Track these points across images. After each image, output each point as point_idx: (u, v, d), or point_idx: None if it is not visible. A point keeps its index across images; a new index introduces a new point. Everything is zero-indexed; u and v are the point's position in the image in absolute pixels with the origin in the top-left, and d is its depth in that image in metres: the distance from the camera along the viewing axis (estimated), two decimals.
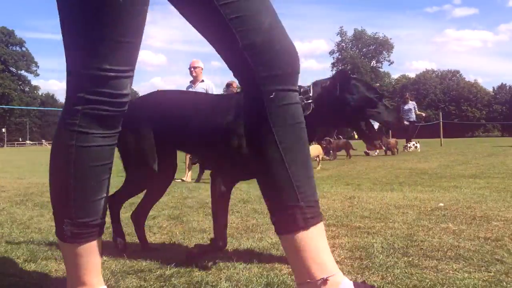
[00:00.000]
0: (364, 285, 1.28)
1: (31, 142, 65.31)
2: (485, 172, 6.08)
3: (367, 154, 12.24)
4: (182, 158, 5.97)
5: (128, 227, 2.68)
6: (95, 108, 1.17)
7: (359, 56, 73.06)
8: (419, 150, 12.94)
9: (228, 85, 10.55)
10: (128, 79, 1.20)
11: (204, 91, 6.62)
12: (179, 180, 6.16)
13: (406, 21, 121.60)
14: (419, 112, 13.98)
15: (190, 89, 6.87)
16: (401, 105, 14.36)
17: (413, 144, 13.26)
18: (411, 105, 13.80)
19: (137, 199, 3.75)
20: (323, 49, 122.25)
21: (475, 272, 1.73)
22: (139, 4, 1.16)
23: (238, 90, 8.99)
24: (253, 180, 5.37)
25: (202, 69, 7.07)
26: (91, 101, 1.17)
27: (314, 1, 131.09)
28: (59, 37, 1.20)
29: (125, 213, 3.17)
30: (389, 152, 12.11)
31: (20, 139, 68.22)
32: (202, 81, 7.01)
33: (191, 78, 7.21)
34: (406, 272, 1.74)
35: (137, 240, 2.35)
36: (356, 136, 15.99)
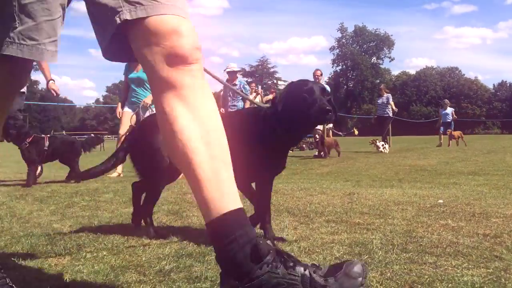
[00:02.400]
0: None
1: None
2: (484, 169, 6.09)
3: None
4: None
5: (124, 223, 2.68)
6: None
7: (360, 52, 72.90)
8: (387, 152, 11.09)
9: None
10: None
11: None
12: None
13: (405, 18, 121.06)
14: (392, 105, 12.13)
15: None
16: (377, 98, 13.01)
17: (382, 144, 11.33)
18: (385, 98, 12.12)
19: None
20: (323, 45, 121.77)
21: (474, 268, 1.74)
22: None
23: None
24: None
25: None
26: None
27: None
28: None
29: (125, 208, 3.17)
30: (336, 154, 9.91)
31: None
32: None
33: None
34: (405, 268, 1.74)
35: (136, 236, 2.36)
36: (356, 133, 15.71)
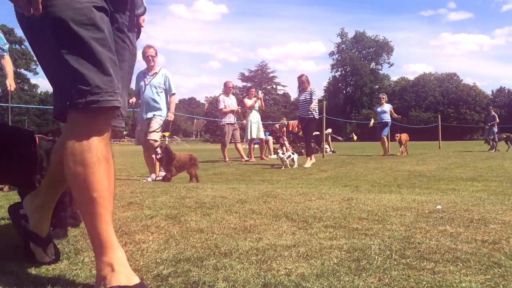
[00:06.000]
0: None
1: None
2: (483, 175, 6.09)
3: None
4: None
5: (125, 227, 2.68)
6: None
7: (359, 58, 73.12)
8: (295, 166, 8.45)
9: (225, 84, 11.19)
10: None
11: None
12: None
13: (402, 24, 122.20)
14: (313, 104, 8.82)
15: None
16: (299, 93, 9.35)
17: (289, 156, 8.53)
18: (308, 93, 8.97)
19: (134, 198, 3.74)
20: (321, 51, 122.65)
21: (472, 274, 1.74)
22: None
23: (234, 89, 8.65)
24: (252, 181, 5.37)
25: None
26: None
27: (310, 2, 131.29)
28: None
29: (123, 212, 3.16)
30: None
31: None
32: None
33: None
34: (403, 274, 1.74)
35: (134, 240, 2.35)
36: (355, 138, 15.68)
